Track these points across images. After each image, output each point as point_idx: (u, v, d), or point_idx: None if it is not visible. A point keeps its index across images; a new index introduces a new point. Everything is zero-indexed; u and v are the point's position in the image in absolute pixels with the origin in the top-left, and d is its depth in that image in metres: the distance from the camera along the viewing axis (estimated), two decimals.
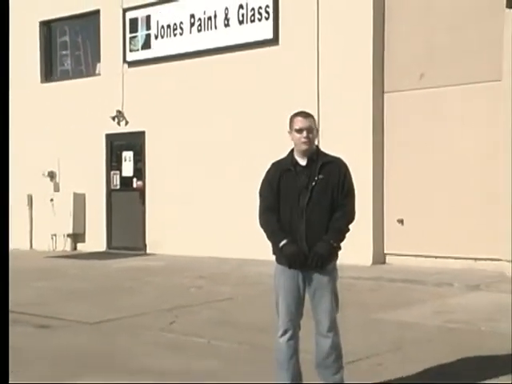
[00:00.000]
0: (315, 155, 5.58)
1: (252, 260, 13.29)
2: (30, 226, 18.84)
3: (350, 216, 5.56)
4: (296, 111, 5.69)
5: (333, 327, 5.56)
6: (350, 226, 5.57)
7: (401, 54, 13.34)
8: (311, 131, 5.54)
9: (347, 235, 5.57)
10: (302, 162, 5.56)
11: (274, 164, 5.73)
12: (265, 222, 5.61)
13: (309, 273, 5.51)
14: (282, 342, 5.60)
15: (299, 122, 5.55)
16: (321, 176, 5.50)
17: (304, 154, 5.55)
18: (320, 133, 12.66)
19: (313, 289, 5.54)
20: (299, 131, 5.52)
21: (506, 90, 11.93)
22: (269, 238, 5.60)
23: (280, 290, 5.61)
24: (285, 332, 5.59)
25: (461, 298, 10.28)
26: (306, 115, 5.61)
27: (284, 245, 5.44)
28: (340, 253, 5.60)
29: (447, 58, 12.79)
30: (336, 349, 5.57)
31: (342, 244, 5.56)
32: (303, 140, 5.50)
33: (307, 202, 5.46)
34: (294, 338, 5.60)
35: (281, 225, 5.52)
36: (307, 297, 5.61)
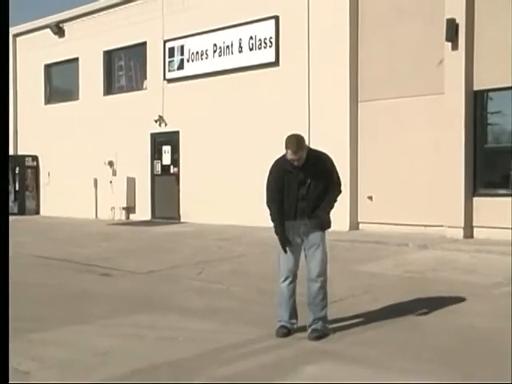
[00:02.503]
0: (307, 158, 5.45)
1: (260, 227, 13.23)
2: (95, 201, 18.83)
3: (336, 194, 5.63)
4: (290, 139, 5.42)
5: (321, 274, 5.57)
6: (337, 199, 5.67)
7: (371, 73, 13.22)
8: (301, 156, 5.39)
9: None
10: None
11: (276, 162, 5.60)
12: (269, 209, 5.62)
13: (307, 235, 5.54)
14: (283, 286, 5.63)
15: (290, 155, 5.41)
16: (313, 172, 5.47)
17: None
18: (310, 132, 12.74)
19: (308, 246, 5.57)
20: (291, 159, 5.42)
21: (446, 101, 11.88)
22: (271, 220, 5.64)
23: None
24: (285, 278, 5.62)
25: (414, 255, 10.27)
26: (296, 150, 5.37)
27: (277, 233, 5.57)
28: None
29: (405, 77, 12.68)
30: (323, 291, 5.58)
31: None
32: (295, 164, 5.43)
33: (306, 192, 5.49)
34: (293, 283, 5.63)
35: (285, 207, 5.51)
36: (302, 254, 5.62)
